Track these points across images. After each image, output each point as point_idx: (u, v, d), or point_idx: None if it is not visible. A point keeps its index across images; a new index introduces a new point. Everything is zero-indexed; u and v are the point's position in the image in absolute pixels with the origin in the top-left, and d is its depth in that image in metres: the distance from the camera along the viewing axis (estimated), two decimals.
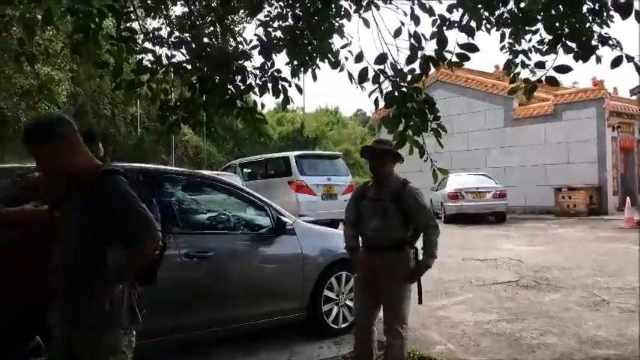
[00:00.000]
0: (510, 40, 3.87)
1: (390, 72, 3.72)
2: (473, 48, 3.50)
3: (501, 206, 16.87)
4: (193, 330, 4.24)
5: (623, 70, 3.57)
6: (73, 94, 20.44)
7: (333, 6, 4.00)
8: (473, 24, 3.60)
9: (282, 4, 4.29)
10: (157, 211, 2.59)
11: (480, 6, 3.61)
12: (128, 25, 4.45)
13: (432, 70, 3.80)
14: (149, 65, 4.37)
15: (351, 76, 4.02)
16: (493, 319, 5.65)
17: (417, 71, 3.70)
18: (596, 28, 3.59)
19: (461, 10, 3.56)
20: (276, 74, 4.23)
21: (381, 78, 3.73)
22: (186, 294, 4.11)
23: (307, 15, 4.11)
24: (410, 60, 3.64)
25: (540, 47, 3.73)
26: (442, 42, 3.53)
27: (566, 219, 16.97)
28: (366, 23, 3.88)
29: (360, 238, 3.87)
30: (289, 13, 4.24)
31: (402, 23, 3.66)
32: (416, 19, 3.66)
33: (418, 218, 3.65)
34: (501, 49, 3.93)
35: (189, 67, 4.42)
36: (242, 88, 4.36)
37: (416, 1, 3.65)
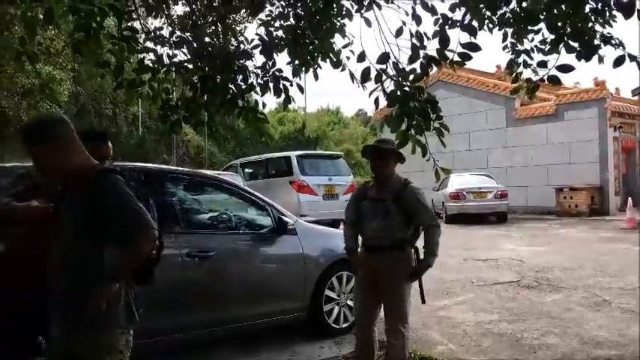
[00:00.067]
0: (513, 40, 3.86)
1: (392, 71, 3.71)
2: (475, 47, 3.49)
3: (503, 206, 16.85)
4: (194, 330, 4.23)
5: (624, 70, 3.56)
6: (74, 93, 20.45)
7: (334, 5, 4.00)
8: (475, 23, 3.60)
9: (284, 4, 4.29)
10: (154, 211, 2.59)
11: (482, 5, 3.60)
12: (129, 24, 4.45)
13: (434, 69, 3.79)
14: (150, 64, 4.37)
15: (352, 76, 4.01)
16: (494, 320, 5.65)
17: (419, 71, 3.70)
18: (598, 27, 3.58)
19: (463, 9, 3.55)
20: (277, 74, 4.23)
21: (383, 77, 3.72)
22: (188, 294, 4.11)
23: (309, 14, 4.11)
24: (412, 59, 3.64)
25: (543, 47, 3.72)
26: (444, 41, 3.52)
27: (568, 219, 16.95)
28: (368, 23, 3.88)
29: (359, 239, 3.86)
30: (291, 13, 4.23)
31: (404, 23, 3.65)
32: (417, 19, 3.66)
33: (420, 218, 3.65)
34: (504, 48, 3.93)
35: (190, 66, 4.42)
36: (243, 87, 4.36)
37: (418, 1, 3.64)
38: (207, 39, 4.67)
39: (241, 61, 4.35)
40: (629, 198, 15.51)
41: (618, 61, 3.40)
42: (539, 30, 3.72)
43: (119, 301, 2.22)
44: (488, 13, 3.71)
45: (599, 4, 3.52)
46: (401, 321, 3.64)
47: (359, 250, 3.84)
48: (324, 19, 4.03)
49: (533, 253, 10.15)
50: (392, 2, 3.89)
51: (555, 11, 3.51)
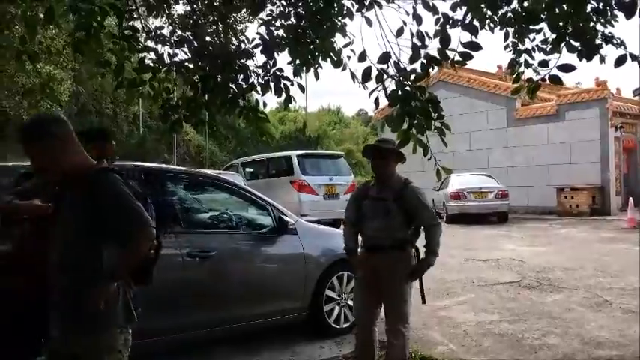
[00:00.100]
0: (514, 40, 3.86)
1: (393, 71, 3.71)
2: (476, 47, 3.49)
3: (503, 206, 16.84)
4: (195, 329, 4.23)
5: (626, 70, 3.56)
6: (75, 92, 20.46)
7: (335, 5, 3.99)
8: (476, 23, 3.59)
9: (285, 3, 4.29)
10: (152, 210, 2.59)
11: (483, 5, 3.59)
12: (130, 23, 4.45)
13: (435, 69, 3.79)
14: (151, 64, 4.38)
15: (353, 75, 4.01)
16: (495, 320, 5.64)
17: (420, 71, 3.69)
18: (599, 27, 3.58)
19: (464, 9, 3.54)
20: (278, 73, 4.23)
21: (384, 77, 3.72)
22: (188, 293, 4.11)
23: (309, 14, 4.11)
24: (413, 59, 3.63)
25: (544, 47, 3.72)
26: (445, 40, 3.52)
27: (569, 219, 16.94)
28: (369, 22, 3.87)
29: (359, 238, 3.86)
30: (291, 12, 4.23)
31: (405, 23, 3.65)
32: (418, 19, 3.65)
33: (421, 218, 3.64)
34: (505, 48, 3.92)
35: (191, 65, 4.42)
36: (244, 86, 4.36)
37: (419, 0, 3.64)
38: (207, 38, 4.67)
39: (242, 61, 4.35)
40: (630, 198, 15.50)
41: (619, 61, 3.40)
42: (541, 30, 3.71)
43: (117, 301, 2.22)
44: (490, 13, 3.71)
45: (601, 4, 3.51)
46: (401, 321, 3.64)
47: (359, 249, 3.84)
48: (325, 18, 4.03)
49: (534, 253, 10.14)
50: (392, 2, 3.88)
51: (557, 11, 3.50)
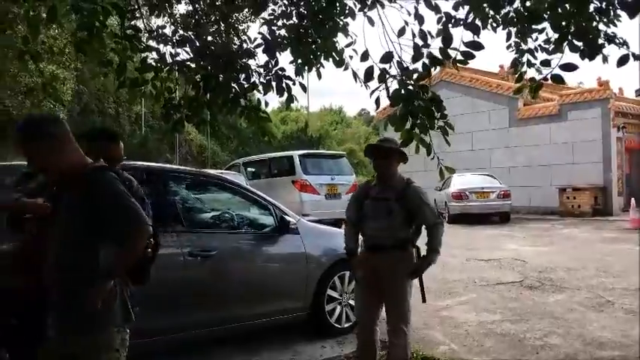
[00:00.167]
0: (516, 39, 3.85)
1: (396, 70, 3.70)
2: (478, 46, 3.48)
3: (505, 206, 16.82)
4: (196, 329, 4.23)
5: (628, 70, 3.54)
6: (77, 92, 20.49)
7: (337, 4, 3.99)
8: (478, 22, 3.58)
9: (287, 3, 4.28)
10: (149, 209, 2.59)
11: (485, 5, 3.58)
12: (132, 23, 4.45)
13: (437, 69, 3.78)
14: (153, 63, 4.37)
15: (355, 75, 4.00)
16: (497, 320, 5.63)
17: (421, 70, 3.68)
18: (602, 26, 3.57)
19: (466, 8, 3.53)
20: (280, 73, 4.23)
21: (386, 77, 3.71)
22: (189, 293, 4.11)
23: (312, 13, 4.10)
24: (415, 59, 3.63)
25: (547, 46, 3.71)
26: (447, 40, 3.51)
27: (571, 219, 16.91)
28: (371, 22, 3.86)
29: (360, 238, 3.85)
30: (293, 12, 4.22)
31: (406, 23, 3.64)
32: (420, 19, 3.64)
33: (423, 217, 3.64)
34: (507, 47, 3.91)
35: (193, 65, 4.42)
36: (246, 86, 4.35)
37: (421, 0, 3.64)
38: (209, 38, 4.67)
39: (244, 60, 4.34)
40: (632, 198, 15.45)
41: (622, 61, 3.38)
42: (543, 29, 3.70)
43: (115, 300, 2.22)
44: (492, 12, 3.70)
45: (604, 3, 3.50)
46: (403, 321, 3.64)
47: (360, 249, 3.83)
48: (327, 17, 4.02)
49: (536, 254, 10.13)
50: (395, 1, 3.87)
51: (559, 10, 3.49)
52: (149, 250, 2.37)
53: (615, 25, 3.58)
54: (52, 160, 2.19)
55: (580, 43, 3.49)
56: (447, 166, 3.66)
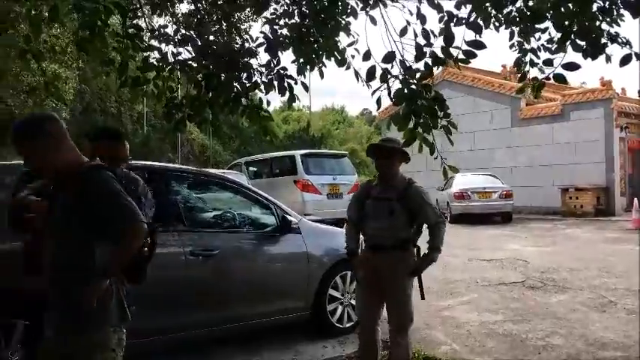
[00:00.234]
0: (519, 39, 3.84)
1: (398, 69, 3.69)
2: (480, 45, 3.47)
3: (508, 206, 16.79)
4: (197, 329, 4.23)
5: (631, 70, 3.53)
6: (80, 91, 20.51)
7: (339, 3, 3.98)
8: (480, 21, 3.57)
9: (289, 2, 4.28)
10: (146, 209, 2.59)
11: (487, 4, 3.57)
12: (134, 22, 4.45)
13: (440, 68, 3.77)
14: (155, 63, 4.37)
15: (357, 75, 3.99)
16: (499, 320, 5.62)
17: (423, 70, 3.67)
18: (605, 26, 3.55)
19: (469, 7, 3.52)
20: (282, 72, 4.22)
21: (388, 77, 3.70)
22: (191, 292, 4.11)
23: (314, 12, 4.09)
24: (417, 59, 3.62)
25: (549, 46, 3.70)
26: (449, 38, 3.50)
27: (573, 220, 16.88)
28: (373, 21, 3.86)
29: (361, 238, 3.84)
30: (295, 11, 4.22)
31: (408, 22, 3.63)
32: (422, 18, 3.63)
33: (425, 216, 3.63)
34: (510, 47, 3.90)
35: (195, 64, 4.42)
36: (248, 85, 4.35)
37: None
38: (211, 37, 4.67)
39: (246, 59, 4.34)
40: (635, 199, 15.40)
41: (625, 60, 3.37)
42: (546, 29, 3.69)
43: (111, 299, 2.22)
44: (494, 12, 3.69)
45: (607, 3, 3.49)
46: (404, 320, 3.63)
47: (361, 249, 3.83)
48: (329, 17, 4.01)
49: (538, 254, 10.11)
50: (397, 1, 3.86)
51: (562, 9, 3.48)
52: (146, 248, 2.37)
53: (618, 25, 3.57)
54: (49, 158, 2.19)
55: (583, 43, 3.48)
56: (450, 165, 3.65)
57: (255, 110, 4.38)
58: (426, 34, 3.57)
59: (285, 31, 4.21)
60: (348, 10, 4.04)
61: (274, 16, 4.25)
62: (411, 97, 3.58)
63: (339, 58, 4.12)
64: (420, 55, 3.60)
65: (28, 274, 2.52)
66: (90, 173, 2.20)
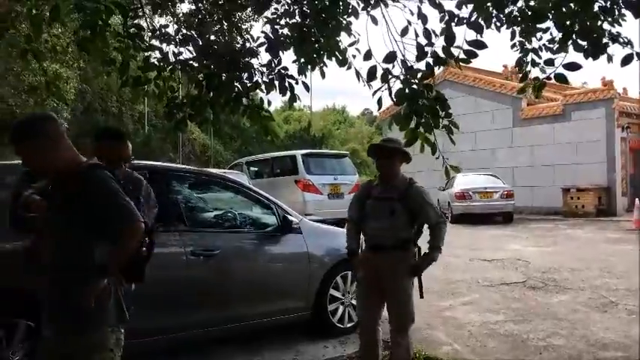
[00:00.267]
0: (521, 38, 3.83)
1: (400, 69, 3.68)
2: (481, 45, 3.46)
3: (509, 206, 16.78)
4: (198, 328, 4.23)
5: (632, 70, 3.53)
6: (81, 91, 20.52)
7: (340, 3, 3.97)
8: (481, 21, 3.56)
9: (290, 1, 4.27)
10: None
11: (489, 4, 3.57)
12: (135, 22, 4.44)
13: (441, 68, 3.76)
14: (156, 62, 4.37)
15: (358, 75, 3.99)
16: (500, 320, 5.61)
17: (424, 69, 3.67)
18: (606, 26, 3.55)
19: (470, 7, 3.52)
20: (282, 72, 4.22)
21: (389, 77, 3.69)
22: (192, 292, 4.11)
23: (315, 12, 4.09)
24: (419, 58, 3.61)
25: (551, 46, 3.69)
26: (450, 38, 3.50)
27: (575, 220, 16.85)
28: (374, 21, 3.85)
29: (362, 238, 3.84)
30: (296, 11, 4.21)
31: (409, 22, 3.62)
32: (423, 18, 3.63)
33: (426, 216, 3.63)
34: (512, 47, 3.89)
35: (196, 64, 4.41)
36: (249, 85, 4.35)
37: None
38: (212, 37, 4.67)
39: (247, 59, 4.33)
40: (637, 199, 15.38)
41: (626, 60, 3.37)
42: (548, 28, 3.68)
43: (109, 299, 2.21)
44: (495, 12, 3.68)
45: (608, 3, 3.48)
46: (405, 321, 3.63)
47: (362, 249, 3.82)
48: (330, 16, 4.01)
49: (539, 254, 10.10)
50: (398, 0, 3.86)
51: (564, 9, 3.47)
52: (144, 248, 2.37)
53: (620, 25, 3.56)
54: (47, 158, 2.19)
55: (584, 43, 3.47)
56: (452, 165, 3.64)
57: (256, 110, 4.37)
58: (427, 34, 3.56)
59: (286, 31, 4.20)
60: (349, 10, 4.03)
61: (275, 16, 4.24)
62: (412, 96, 3.58)
63: (340, 58, 4.12)
64: (421, 55, 3.60)
65: (29, 274, 2.53)
66: (88, 173, 2.20)
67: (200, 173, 5.22)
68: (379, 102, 3.82)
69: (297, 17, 4.22)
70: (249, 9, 5.11)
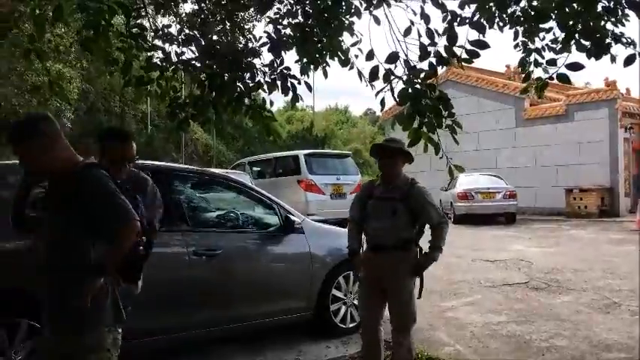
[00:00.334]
0: (523, 39, 3.82)
1: (403, 69, 3.68)
2: (483, 45, 3.45)
3: (511, 207, 16.74)
4: (199, 328, 4.23)
5: (635, 70, 3.51)
6: (84, 91, 20.55)
7: (343, 3, 3.97)
8: (484, 21, 3.56)
9: (292, 1, 4.27)
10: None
11: (491, 4, 3.56)
12: (138, 22, 4.45)
13: (444, 68, 3.75)
14: (159, 62, 4.37)
15: (360, 74, 3.98)
16: (502, 321, 5.60)
17: (427, 69, 3.66)
18: (610, 26, 3.54)
19: (472, 7, 3.51)
20: (285, 72, 4.21)
21: (392, 77, 3.69)
22: (194, 292, 4.11)
23: (317, 12, 4.08)
24: (421, 58, 3.61)
25: (554, 46, 3.68)
26: (452, 38, 3.49)
27: (577, 220, 16.81)
28: (377, 20, 3.84)
29: (363, 238, 3.84)
30: (299, 11, 4.21)
31: (412, 22, 3.62)
32: (426, 18, 3.62)
33: (428, 216, 3.62)
34: (515, 47, 3.88)
35: (198, 64, 4.41)
36: (251, 85, 4.35)
37: None
38: (215, 37, 4.67)
39: (249, 59, 4.34)
40: None
41: (629, 60, 3.35)
42: (551, 28, 3.67)
43: (106, 299, 2.22)
44: (498, 12, 3.67)
45: (612, 3, 3.47)
46: (407, 321, 3.63)
47: (363, 249, 3.82)
48: (333, 16, 4.00)
49: (542, 254, 10.08)
50: (400, 0, 3.85)
51: (567, 9, 3.46)
52: (141, 247, 2.37)
53: (623, 25, 3.55)
54: (44, 158, 2.20)
55: (587, 43, 3.46)
56: (456, 164, 3.63)
57: (258, 110, 4.37)
58: (430, 34, 3.55)
59: (288, 31, 4.20)
60: (352, 10, 4.03)
61: (278, 16, 4.24)
62: (415, 96, 3.57)
63: (343, 57, 4.11)
64: (424, 55, 3.59)
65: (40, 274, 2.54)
66: (84, 172, 2.20)
67: (202, 173, 5.21)
68: (382, 102, 3.81)
69: (299, 17, 4.22)
70: (252, 9, 5.11)
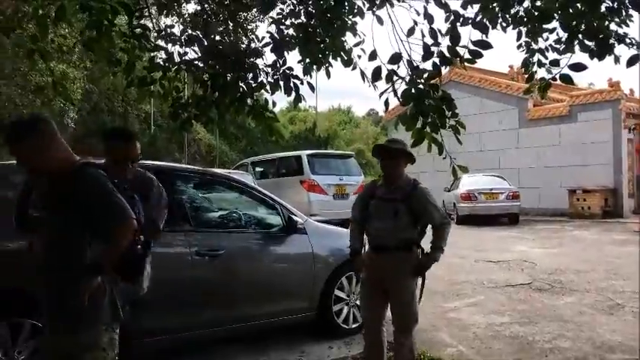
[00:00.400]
0: (527, 39, 3.81)
1: (406, 70, 3.67)
2: (486, 45, 3.44)
3: (514, 208, 16.71)
4: (202, 328, 4.23)
5: (639, 71, 3.50)
6: (87, 91, 20.59)
7: (346, 3, 3.96)
8: (487, 21, 3.55)
9: (295, 2, 4.27)
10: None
11: (494, 4, 3.55)
12: (141, 22, 4.46)
13: (447, 69, 3.74)
14: (161, 63, 4.38)
15: (363, 75, 3.98)
16: (505, 322, 5.59)
17: (431, 69, 3.66)
18: (613, 26, 3.53)
19: (476, 7, 3.50)
20: (287, 72, 4.21)
21: (395, 77, 3.68)
22: (196, 292, 4.11)
23: (320, 12, 4.08)
24: (425, 59, 3.60)
25: (557, 46, 3.67)
26: (455, 38, 3.48)
27: (581, 221, 16.77)
28: (380, 21, 3.84)
29: (365, 238, 3.83)
30: (302, 11, 4.21)
31: (415, 22, 3.61)
32: (430, 18, 3.62)
33: (431, 217, 3.62)
34: (518, 47, 3.87)
35: (201, 64, 4.42)
36: (254, 85, 4.35)
37: None
38: (217, 37, 4.67)
39: (252, 59, 4.34)
40: None
41: (632, 61, 3.34)
42: (554, 29, 3.67)
43: (103, 298, 2.22)
44: (501, 12, 3.66)
45: (615, 3, 3.46)
46: (409, 321, 3.62)
47: (365, 249, 3.82)
48: (336, 17, 4.00)
49: (545, 255, 10.06)
50: (403, 0, 3.84)
51: (570, 10, 3.45)
52: (139, 246, 2.38)
53: (627, 25, 3.54)
54: (41, 158, 2.21)
55: (591, 43, 3.45)
56: (459, 165, 3.62)
57: (261, 111, 4.37)
58: (433, 34, 3.55)
59: (291, 31, 4.20)
60: (355, 10, 4.02)
61: (280, 16, 4.24)
62: (418, 96, 3.56)
63: (346, 58, 4.11)
64: (427, 55, 3.58)
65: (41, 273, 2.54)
66: (80, 172, 2.21)
67: (205, 173, 5.21)
68: (386, 103, 3.80)
69: (302, 17, 4.21)
70: (255, 9, 5.11)
